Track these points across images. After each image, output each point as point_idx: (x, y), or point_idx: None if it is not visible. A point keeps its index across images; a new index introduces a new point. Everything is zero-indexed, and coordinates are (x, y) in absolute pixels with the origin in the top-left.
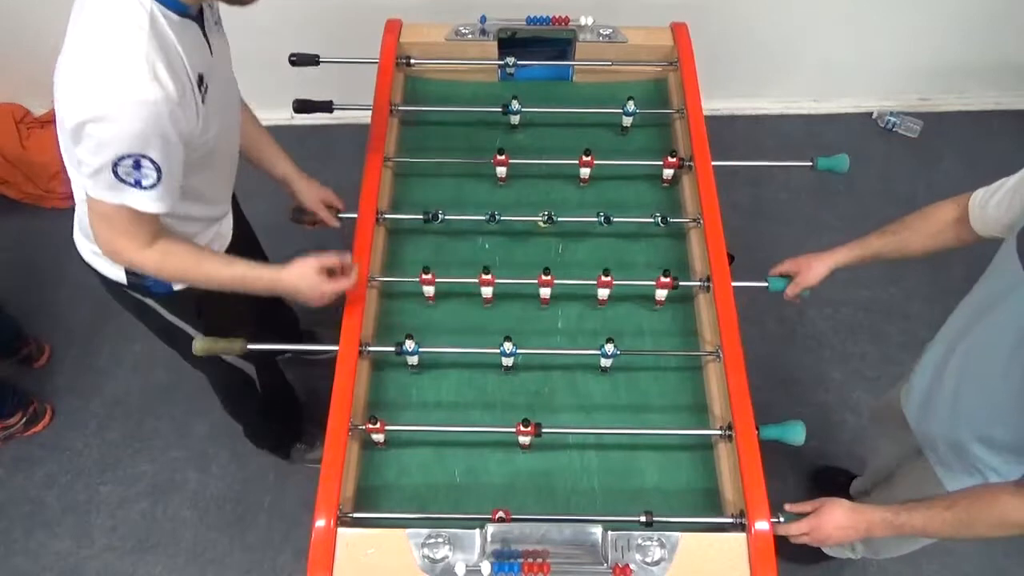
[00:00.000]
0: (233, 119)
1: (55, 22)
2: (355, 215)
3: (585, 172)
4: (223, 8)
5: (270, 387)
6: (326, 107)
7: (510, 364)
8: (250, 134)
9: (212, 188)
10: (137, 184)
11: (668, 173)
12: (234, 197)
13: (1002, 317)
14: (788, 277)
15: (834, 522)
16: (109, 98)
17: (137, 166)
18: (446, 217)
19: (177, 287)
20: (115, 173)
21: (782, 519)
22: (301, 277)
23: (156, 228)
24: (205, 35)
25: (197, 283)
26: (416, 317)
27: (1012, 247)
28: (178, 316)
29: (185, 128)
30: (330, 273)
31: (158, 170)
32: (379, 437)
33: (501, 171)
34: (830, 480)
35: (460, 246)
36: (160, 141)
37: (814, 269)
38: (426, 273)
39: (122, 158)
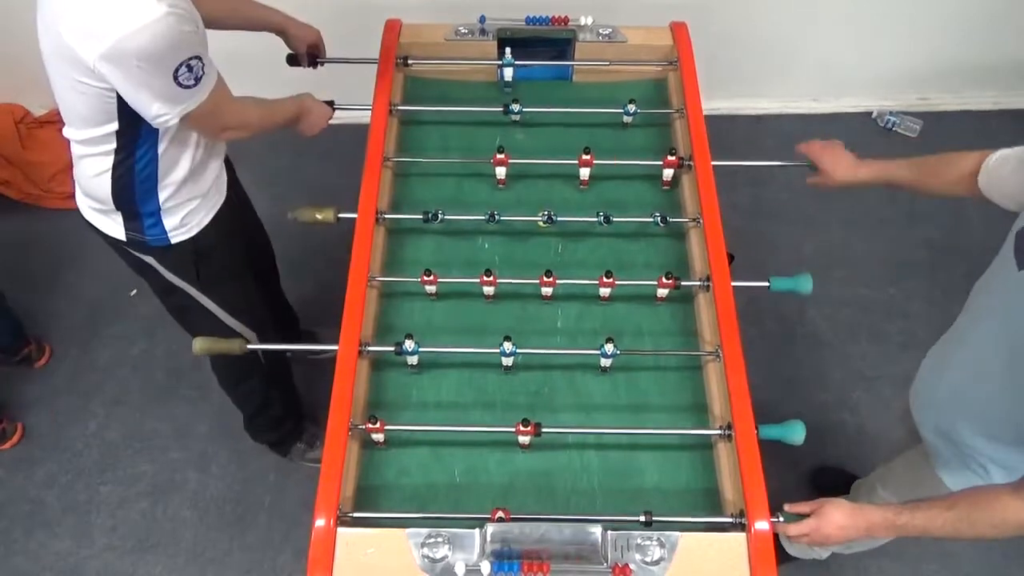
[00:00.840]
0: None
1: None
2: (355, 215)
3: (585, 172)
4: None
5: (272, 361)
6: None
7: (510, 364)
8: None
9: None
10: (197, 81)
11: (668, 174)
12: (231, 167)
13: (1001, 318)
14: (796, 279)
15: (835, 523)
16: (131, 34)
17: (190, 68)
18: (446, 217)
19: (174, 239)
20: (178, 84)
21: (781, 519)
22: (314, 99)
23: (225, 85)
24: None
25: (269, 122)
26: (416, 317)
27: (1011, 246)
28: (176, 274)
29: (194, 26)
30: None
31: (200, 60)
32: (379, 437)
33: (501, 171)
34: (830, 480)
35: (460, 246)
36: (190, 41)
37: (843, 176)
38: (428, 275)
39: (177, 71)
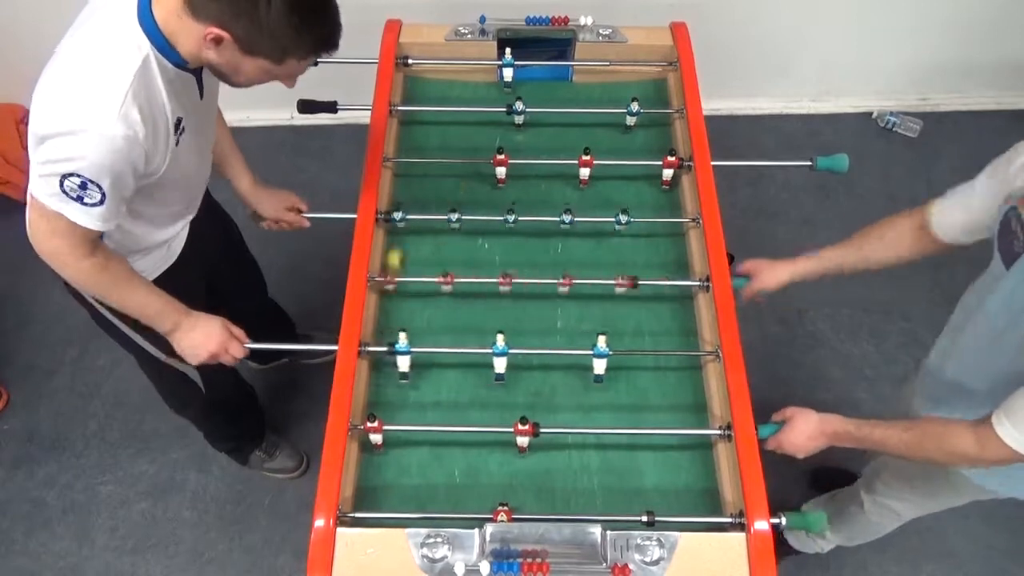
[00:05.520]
0: (206, 149)
1: (55, 23)
2: (355, 215)
3: (584, 172)
4: None
5: (217, 387)
6: (330, 107)
7: (503, 370)
8: (222, 151)
9: (165, 213)
10: (79, 200)
11: (668, 174)
12: (218, 210)
13: (987, 311)
14: (747, 277)
15: (804, 432)
16: (77, 123)
17: (84, 186)
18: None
19: None
20: (61, 185)
21: (783, 520)
22: (206, 325)
23: (95, 240)
24: (200, 81)
25: (118, 303)
26: (416, 317)
27: (995, 246)
28: (105, 307)
29: (144, 167)
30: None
31: (103, 195)
32: (377, 438)
33: (500, 171)
34: (830, 480)
35: (459, 246)
36: (113, 174)
37: (774, 273)
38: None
39: (71, 175)
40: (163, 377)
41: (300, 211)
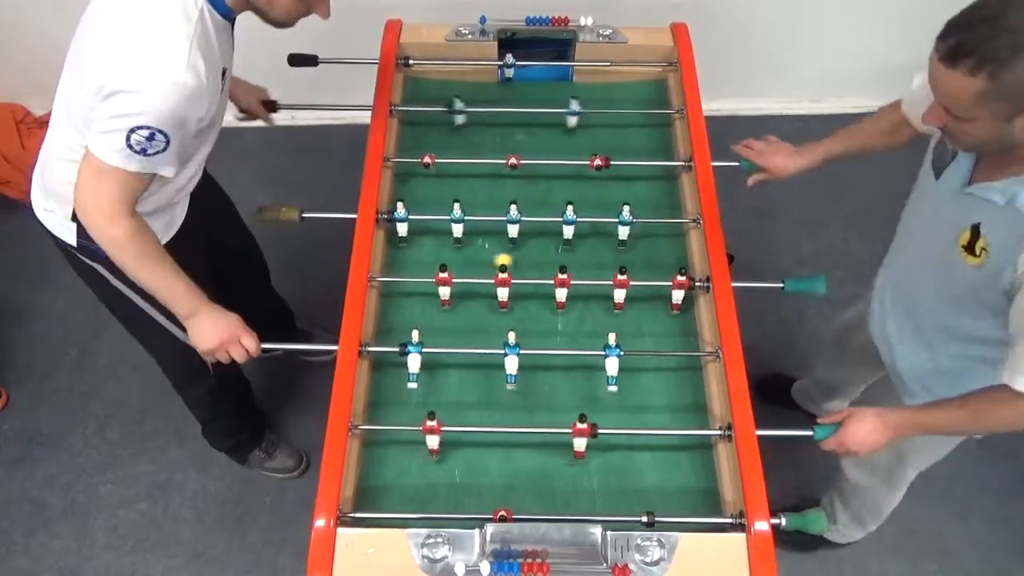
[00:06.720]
0: (227, 98)
1: (55, 22)
2: (355, 215)
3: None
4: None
5: (223, 371)
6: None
7: (514, 370)
8: None
9: (184, 166)
10: (143, 152)
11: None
12: (215, 185)
13: (928, 224)
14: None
15: (863, 430)
16: (147, 75)
17: (151, 137)
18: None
19: None
20: (127, 139)
21: (783, 521)
22: (224, 316)
23: (136, 201)
24: (232, 33)
25: (146, 275)
26: (416, 318)
27: (928, 160)
28: (124, 281)
29: (202, 114)
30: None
31: (167, 142)
32: (433, 442)
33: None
34: (775, 387)
35: (460, 246)
36: (178, 122)
37: (782, 166)
38: (443, 272)
39: (139, 128)
40: (172, 355)
41: (273, 106)
